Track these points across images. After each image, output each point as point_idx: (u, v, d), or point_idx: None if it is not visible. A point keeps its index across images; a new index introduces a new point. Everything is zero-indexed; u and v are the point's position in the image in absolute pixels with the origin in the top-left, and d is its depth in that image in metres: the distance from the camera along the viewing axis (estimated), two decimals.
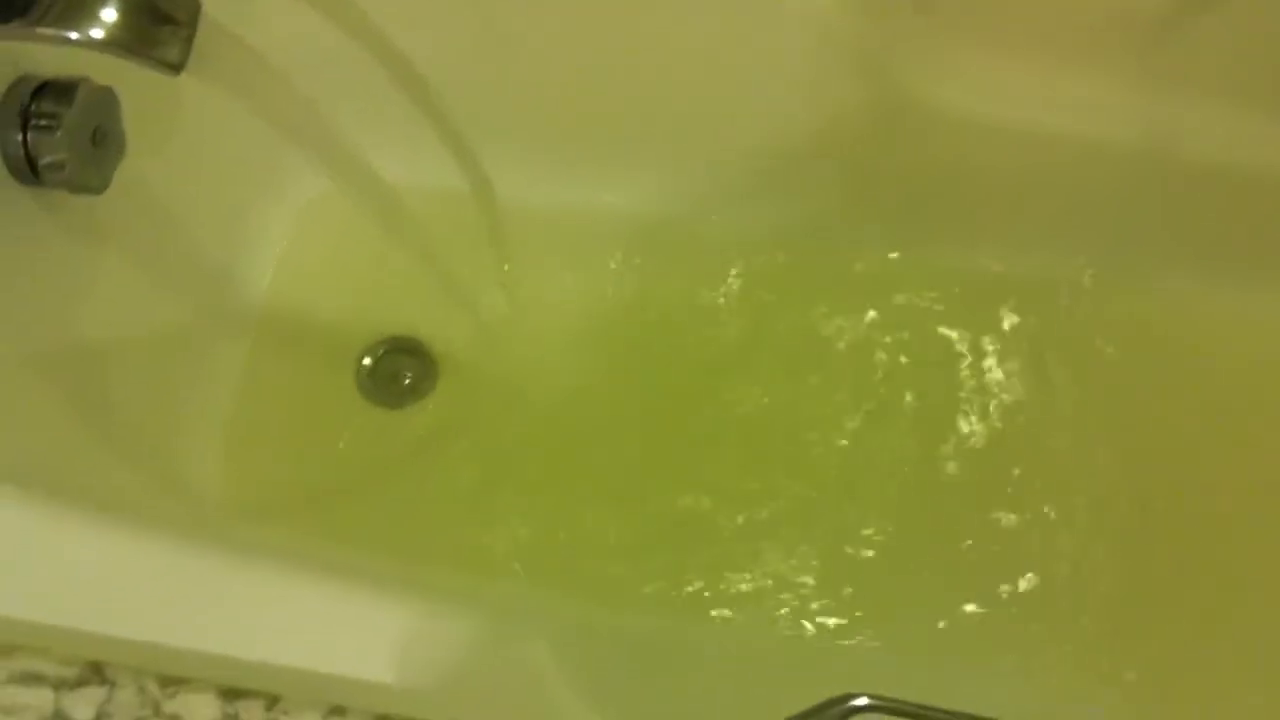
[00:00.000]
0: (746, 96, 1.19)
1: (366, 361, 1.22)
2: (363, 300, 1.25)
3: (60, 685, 0.68)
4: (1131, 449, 1.19)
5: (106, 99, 0.90)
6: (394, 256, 1.26)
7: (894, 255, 1.27)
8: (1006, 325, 1.24)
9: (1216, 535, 1.16)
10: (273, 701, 0.67)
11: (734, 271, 1.27)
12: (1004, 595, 1.13)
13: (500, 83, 1.21)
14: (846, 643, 1.10)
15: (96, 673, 0.68)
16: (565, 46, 1.19)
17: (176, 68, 0.82)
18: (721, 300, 1.26)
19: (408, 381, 1.22)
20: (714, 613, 1.12)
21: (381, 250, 1.26)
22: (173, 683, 0.68)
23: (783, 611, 1.12)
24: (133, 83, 0.91)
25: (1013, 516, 1.16)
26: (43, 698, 0.67)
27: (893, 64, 1.13)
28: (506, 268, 1.28)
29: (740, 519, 1.16)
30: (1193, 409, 1.21)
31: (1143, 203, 1.17)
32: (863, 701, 0.75)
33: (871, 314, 1.25)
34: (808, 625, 1.11)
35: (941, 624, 1.12)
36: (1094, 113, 1.11)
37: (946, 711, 0.75)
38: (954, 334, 1.24)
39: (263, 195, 1.24)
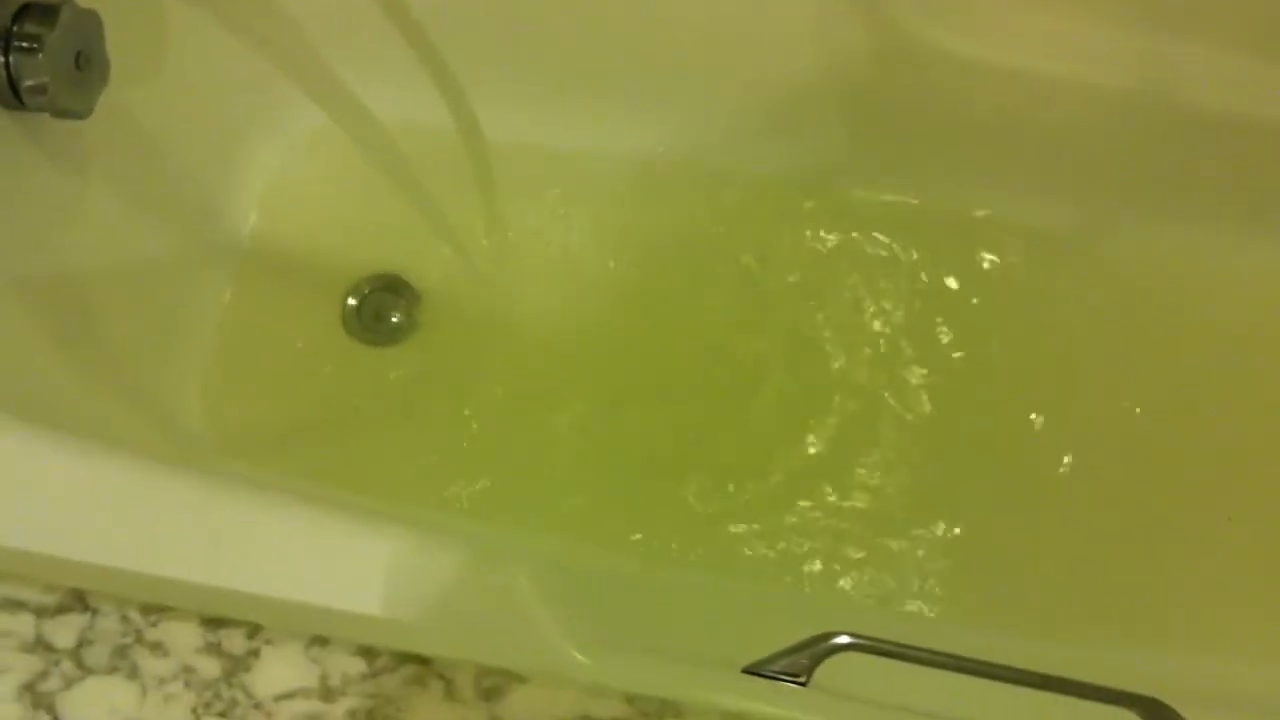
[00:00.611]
0: (746, 37, 1.18)
1: (351, 301, 1.22)
2: (351, 237, 1.24)
3: (41, 612, 0.67)
4: (1121, 391, 1.20)
5: (90, 22, 0.88)
6: (384, 194, 1.25)
7: (890, 197, 1.26)
8: (1001, 269, 1.24)
9: (1211, 486, 1.17)
10: (254, 630, 0.67)
11: (729, 211, 1.27)
12: (989, 540, 1.14)
13: (497, 21, 1.20)
14: (835, 587, 1.11)
15: (78, 600, 0.68)
16: None
17: None
18: (716, 239, 1.26)
19: (394, 320, 1.22)
20: (694, 552, 1.13)
21: (372, 188, 1.25)
22: (154, 610, 0.68)
23: (767, 554, 1.12)
24: (118, 6, 0.90)
25: (1010, 460, 1.18)
26: (24, 624, 0.67)
27: (895, 4, 1.11)
28: (497, 208, 1.27)
29: (725, 460, 1.16)
30: (1184, 356, 1.22)
31: (1141, 149, 1.17)
32: (844, 640, 0.75)
33: (864, 255, 1.25)
34: (791, 568, 1.12)
35: (929, 577, 1.13)
36: (1095, 57, 1.10)
37: (928, 650, 0.75)
38: (950, 279, 1.24)
39: (252, 128, 1.22)
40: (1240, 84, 1.09)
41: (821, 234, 1.25)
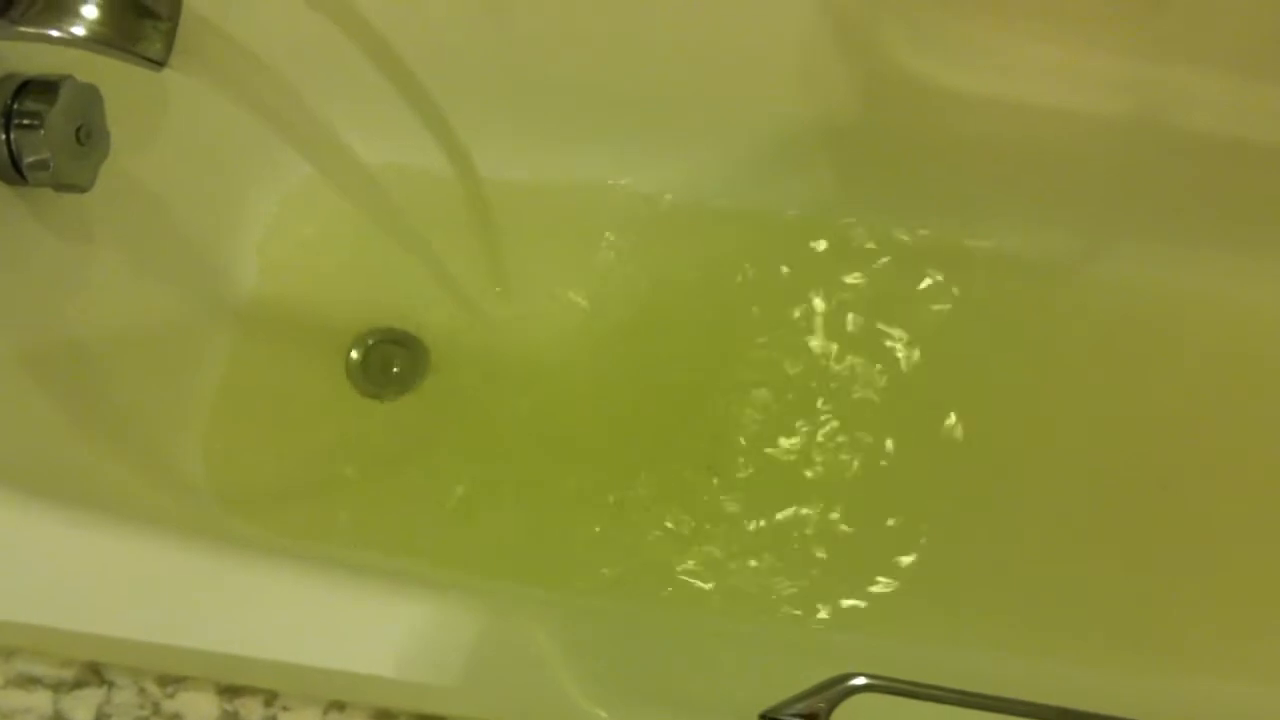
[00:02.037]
0: (740, 72, 1.18)
1: (354, 354, 1.22)
2: (352, 289, 1.24)
3: (59, 687, 0.68)
4: (1117, 421, 1.21)
5: (90, 96, 0.89)
6: (384, 244, 1.25)
7: (888, 229, 1.26)
8: (997, 297, 1.25)
9: (1202, 506, 1.18)
10: (272, 698, 0.68)
11: (729, 251, 1.27)
12: (986, 562, 1.15)
13: (489, 63, 1.20)
14: (847, 632, 1.11)
15: (95, 673, 0.68)
16: (555, 26, 1.18)
17: (160, 63, 0.82)
18: (718, 280, 1.26)
19: (397, 372, 1.21)
20: (712, 602, 1.12)
21: (371, 238, 1.25)
22: (171, 681, 0.68)
23: (784, 598, 1.13)
24: (116, 79, 0.91)
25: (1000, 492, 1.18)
26: (41, 700, 0.67)
27: (888, 40, 1.12)
28: (497, 252, 1.27)
29: (737, 507, 1.16)
30: (1177, 380, 1.22)
31: (1135, 175, 1.17)
32: (860, 681, 0.75)
33: (865, 289, 1.25)
34: (808, 612, 1.12)
35: (930, 605, 1.13)
36: (1088, 85, 1.11)
37: (945, 689, 0.75)
38: (950, 310, 1.24)
39: (249, 185, 1.23)
40: (1232, 107, 1.09)
41: (824, 270, 1.25)
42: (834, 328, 1.24)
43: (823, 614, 1.12)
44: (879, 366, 1.22)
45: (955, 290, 1.25)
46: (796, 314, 1.24)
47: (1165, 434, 1.20)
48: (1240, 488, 1.18)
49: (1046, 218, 1.23)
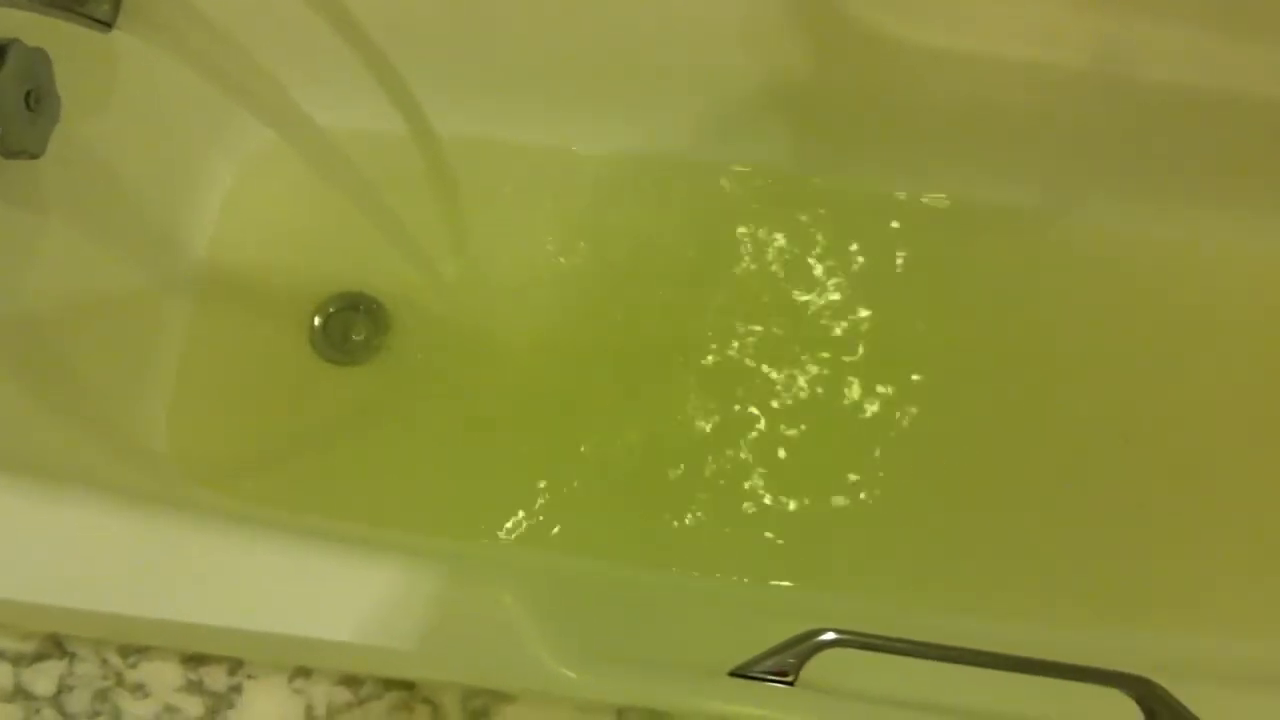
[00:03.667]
0: (700, 33, 1.16)
1: (317, 321, 1.20)
2: (312, 255, 1.23)
3: (19, 660, 0.67)
4: (1077, 376, 1.21)
5: (38, 60, 0.87)
6: (342, 208, 1.24)
7: (854, 187, 1.26)
8: (970, 253, 1.25)
9: (1185, 463, 1.18)
10: (236, 665, 0.67)
11: (687, 205, 1.26)
12: (961, 525, 1.15)
13: (445, 25, 1.18)
14: (810, 591, 1.11)
15: (56, 646, 0.67)
16: None
17: (108, 24, 0.80)
18: (680, 235, 1.25)
19: (361, 337, 1.20)
20: (680, 557, 1.13)
21: (329, 203, 1.24)
22: (134, 652, 0.67)
23: (749, 557, 1.13)
24: (65, 42, 0.89)
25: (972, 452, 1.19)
26: (2, 673, 0.66)
27: None
28: (456, 212, 1.26)
29: (704, 466, 1.16)
30: (1144, 336, 1.22)
31: (1095, 129, 1.17)
32: (829, 636, 0.75)
33: (830, 246, 1.24)
34: (771, 572, 1.12)
35: (914, 568, 1.14)
36: (1051, 39, 1.10)
37: (914, 642, 0.75)
38: (920, 266, 1.24)
39: (205, 151, 1.21)
40: (1198, 58, 1.09)
41: (788, 227, 1.25)
42: (794, 286, 1.23)
43: (785, 573, 1.12)
44: (839, 324, 1.22)
45: (914, 246, 1.24)
46: (755, 272, 1.24)
47: (1127, 388, 1.20)
48: (1202, 439, 1.19)
49: (1009, 172, 1.23)
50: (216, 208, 1.22)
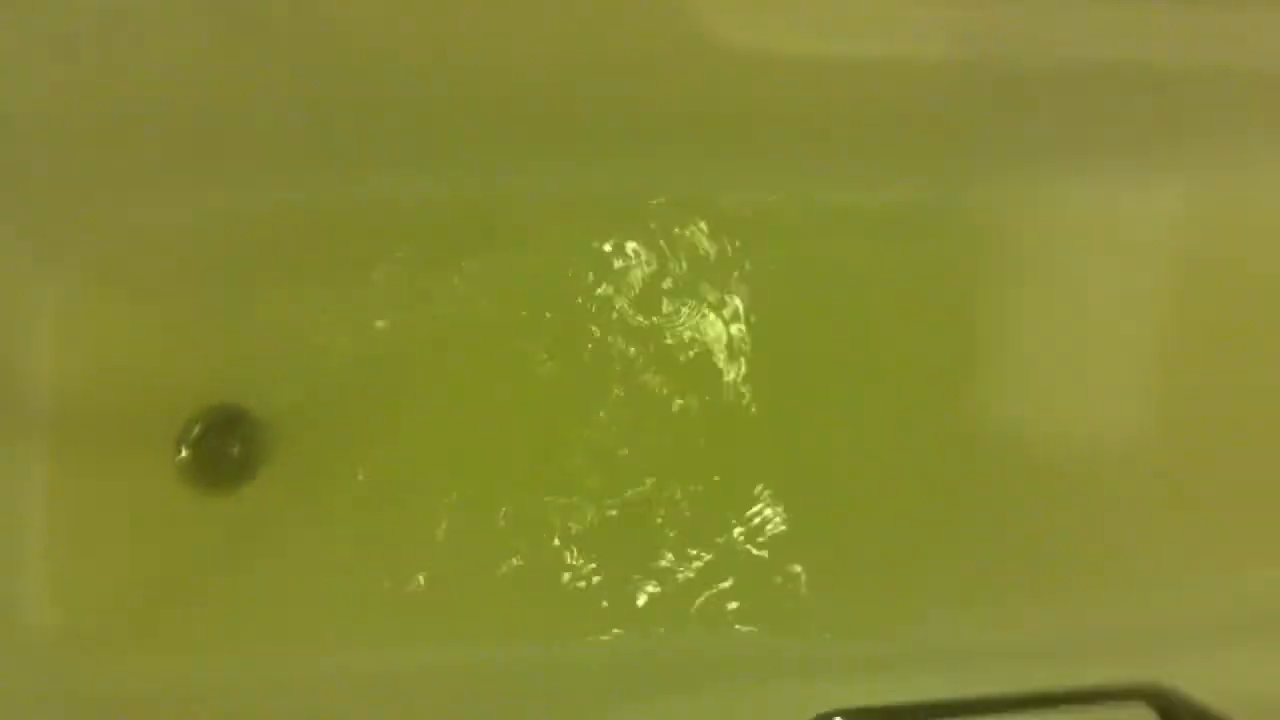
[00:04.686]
0: (517, 52, 1.10)
1: (184, 453, 1.11)
2: (165, 371, 1.13)
3: None
4: (958, 370, 1.21)
5: None
6: (188, 309, 1.15)
7: (720, 196, 1.22)
8: (855, 249, 1.22)
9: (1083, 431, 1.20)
10: None
11: (536, 244, 1.20)
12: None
13: (282, 96, 1.10)
14: (739, 628, 1.11)
15: None
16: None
17: None
18: (548, 278, 1.19)
19: (234, 454, 1.11)
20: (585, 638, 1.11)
21: (173, 305, 1.15)
22: None
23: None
24: None
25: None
26: None
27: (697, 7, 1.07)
28: (305, 291, 1.17)
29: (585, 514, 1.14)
30: (1027, 303, 1.22)
31: (968, 111, 1.15)
32: None
33: (706, 260, 1.20)
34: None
35: (838, 583, 1.14)
36: (904, 31, 1.08)
37: (926, 705, 0.73)
38: (799, 268, 1.21)
39: (26, 277, 1.10)
40: (1055, 31, 1.09)
41: (656, 244, 1.20)
42: (671, 302, 1.19)
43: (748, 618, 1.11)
44: (718, 335, 1.19)
45: (790, 250, 1.21)
46: (632, 290, 1.19)
47: (1010, 386, 1.21)
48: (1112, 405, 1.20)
49: (882, 167, 1.21)
50: (52, 336, 1.10)
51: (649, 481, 1.15)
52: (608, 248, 1.19)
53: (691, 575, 1.12)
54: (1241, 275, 1.21)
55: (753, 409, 1.17)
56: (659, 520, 1.13)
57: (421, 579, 1.10)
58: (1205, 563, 1.14)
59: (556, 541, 1.12)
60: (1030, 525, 1.16)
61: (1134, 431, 1.19)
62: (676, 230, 1.20)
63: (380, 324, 1.16)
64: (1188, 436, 1.19)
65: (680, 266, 1.19)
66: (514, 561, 1.11)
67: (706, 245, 1.20)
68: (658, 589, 1.12)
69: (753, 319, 1.19)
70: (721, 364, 1.18)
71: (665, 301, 1.19)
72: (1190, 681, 0.91)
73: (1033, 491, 1.17)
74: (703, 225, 1.20)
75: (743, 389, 1.17)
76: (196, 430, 1.11)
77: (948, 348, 1.20)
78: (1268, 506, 1.16)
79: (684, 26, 1.06)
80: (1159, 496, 1.17)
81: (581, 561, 1.12)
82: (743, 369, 1.18)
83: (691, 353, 1.18)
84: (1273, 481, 1.16)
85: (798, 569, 1.13)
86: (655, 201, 1.20)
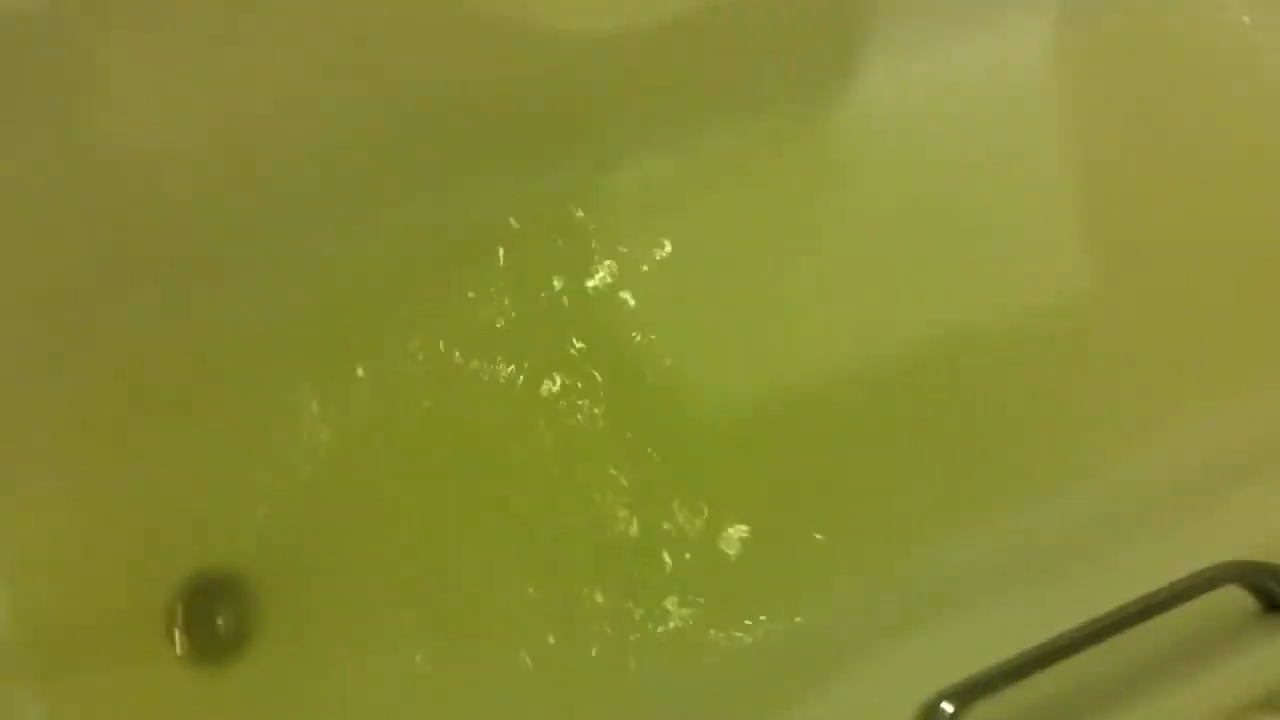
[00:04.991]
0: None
1: (180, 638, 1.04)
2: (134, 547, 1.06)
3: None
4: None
5: None
6: (109, 492, 1.06)
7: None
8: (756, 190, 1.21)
9: None
10: None
11: (412, 314, 1.15)
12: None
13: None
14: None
15: None
16: None
17: None
18: (420, 359, 1.14)
19: (221, 623, 1.05)
20: None
21: (97, 493, 1.06)
22: None
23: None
24: None
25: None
26: None
27: None
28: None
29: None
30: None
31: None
32: (949, 709, 0.69)
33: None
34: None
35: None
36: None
37: (1025, 657, 0.73)
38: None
39: None
40: None
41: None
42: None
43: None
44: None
45: (693, 201, 1.20)
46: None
47: None
48: None
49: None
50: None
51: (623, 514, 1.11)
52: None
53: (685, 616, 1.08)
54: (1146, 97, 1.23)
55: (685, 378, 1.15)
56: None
57: None
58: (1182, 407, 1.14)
59: None
60: (999, 424, 1.14)
61: (1073, 296, 1.19)
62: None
63: (321, 441, 1.10)
64: (1129, 289, 1.19)
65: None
66: None
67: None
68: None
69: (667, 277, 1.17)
70: (640, 359, 1.15)
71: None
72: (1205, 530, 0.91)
73: (991, 386, 1.15)
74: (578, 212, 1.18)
75: (666, 360, 1.15)
76: (180, 609, 1.04)
77: (868, 258, 1.19)
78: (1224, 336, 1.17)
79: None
80: (1115, 358, 1.17)
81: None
82: (664, 338, 1.16)
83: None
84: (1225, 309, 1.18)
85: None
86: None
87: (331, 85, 1.04)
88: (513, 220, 1.16)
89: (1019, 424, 1.14)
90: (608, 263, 1.17)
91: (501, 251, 1.16)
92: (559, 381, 1.13)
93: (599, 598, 1.07)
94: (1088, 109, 1.25)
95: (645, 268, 1.17)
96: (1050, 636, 0.73)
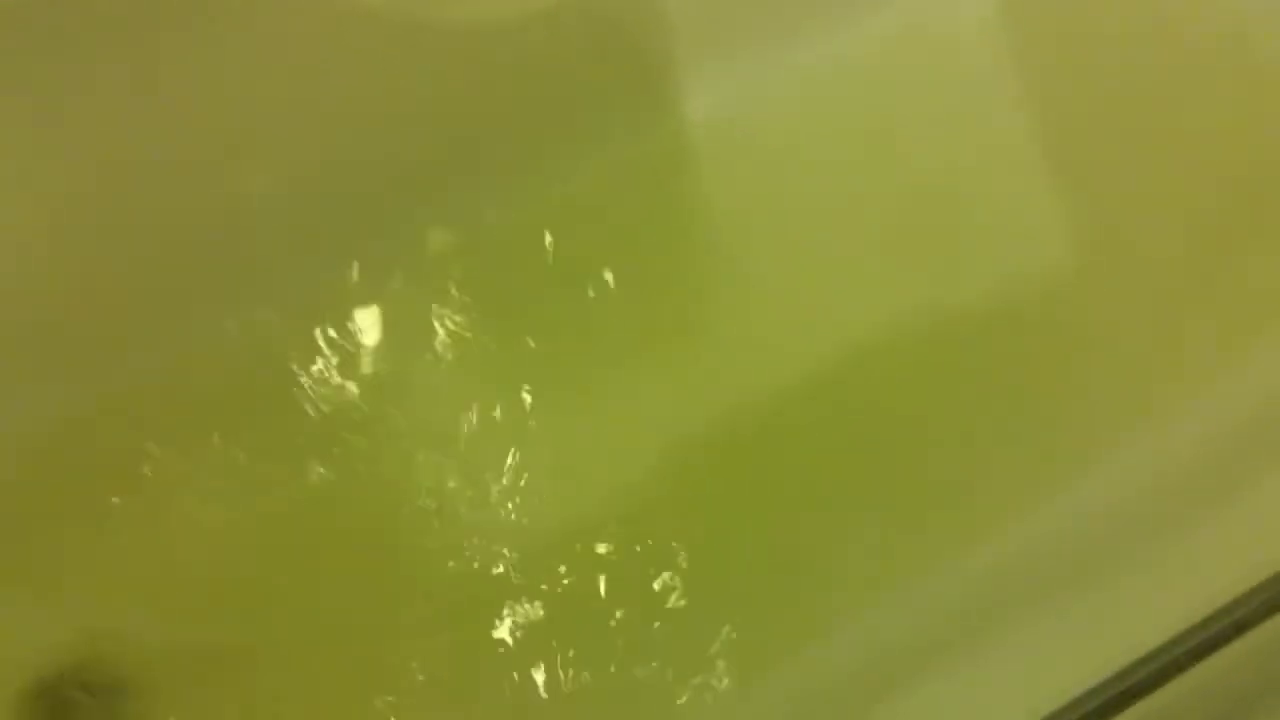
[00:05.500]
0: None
1: None
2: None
3: None
4: None
5: None
6: None
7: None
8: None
9: None
10: None
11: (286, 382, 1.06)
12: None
13: None
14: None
15: None
16: None
17: None
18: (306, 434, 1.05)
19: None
20: None
21: None
22: None
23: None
24: None
25: None
26: None
27: None
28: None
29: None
30: None
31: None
32: None
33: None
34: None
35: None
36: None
37: (1109, 689, 0.67)
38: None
39: None
40: None
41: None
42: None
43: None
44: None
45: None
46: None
47: None
48: None
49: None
50: None
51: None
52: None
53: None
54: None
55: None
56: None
57: None
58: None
59: None
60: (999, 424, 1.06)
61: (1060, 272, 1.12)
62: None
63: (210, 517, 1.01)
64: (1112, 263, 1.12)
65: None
66: None
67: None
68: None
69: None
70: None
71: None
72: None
73: (991, 366, 1.09)
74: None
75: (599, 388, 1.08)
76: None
77: (819, 250, 1.13)
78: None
79: None
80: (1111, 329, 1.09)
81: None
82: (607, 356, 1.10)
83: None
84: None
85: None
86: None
87: None
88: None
89: (1019, 424, 1.06)
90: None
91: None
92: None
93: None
94: (1055, 71, 1.18)
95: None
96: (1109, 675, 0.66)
